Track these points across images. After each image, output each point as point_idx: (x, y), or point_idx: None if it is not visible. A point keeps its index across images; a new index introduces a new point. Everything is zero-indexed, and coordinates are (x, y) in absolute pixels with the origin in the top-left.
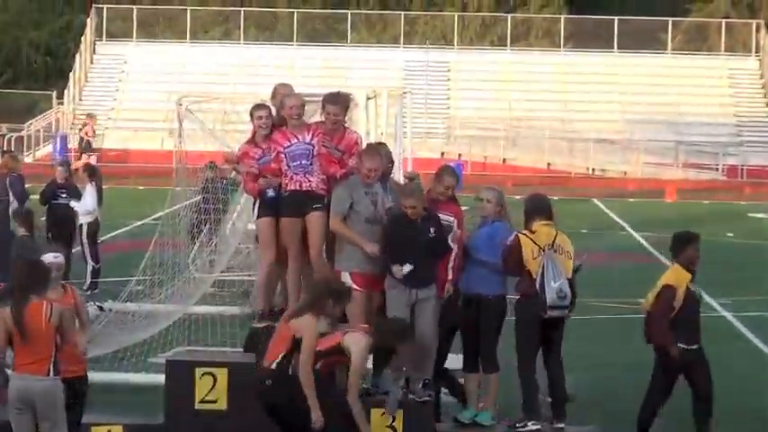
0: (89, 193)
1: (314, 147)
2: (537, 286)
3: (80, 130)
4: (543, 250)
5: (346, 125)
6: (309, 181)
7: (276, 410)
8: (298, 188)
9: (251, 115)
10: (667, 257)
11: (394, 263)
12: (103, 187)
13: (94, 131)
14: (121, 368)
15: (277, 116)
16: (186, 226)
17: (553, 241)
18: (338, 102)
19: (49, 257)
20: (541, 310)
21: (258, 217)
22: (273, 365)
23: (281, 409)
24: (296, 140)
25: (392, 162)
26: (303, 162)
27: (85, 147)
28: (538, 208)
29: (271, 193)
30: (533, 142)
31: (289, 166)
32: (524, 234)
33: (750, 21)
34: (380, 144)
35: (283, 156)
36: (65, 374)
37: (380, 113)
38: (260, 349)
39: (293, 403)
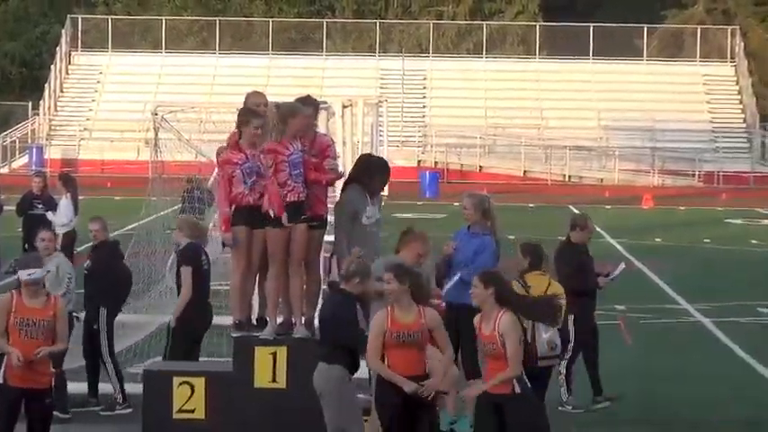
0: (64, 203)
1: (304, 153)
2: (528, 337)
3: None
4: None
5: (318, 130)
6: (304, 192)
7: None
8: (297, 199)
9: (247, 123)
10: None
11: None
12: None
13: None
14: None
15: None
16: (166, 236)
17: (545, 291)
18: (309, 103)
19: (23, 275)
20: (531, 360)
21: (233, 224)
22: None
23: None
24: (293, 148)
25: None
26: (300, 170)
27: None
28: (533, 261)
29: (247, 200)
30: (510, 150)
31: (291, 175)
32: (518, 283)
33: (725, 27)
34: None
35: (287, 164)
36: (28, 385)
37: (356, 122)
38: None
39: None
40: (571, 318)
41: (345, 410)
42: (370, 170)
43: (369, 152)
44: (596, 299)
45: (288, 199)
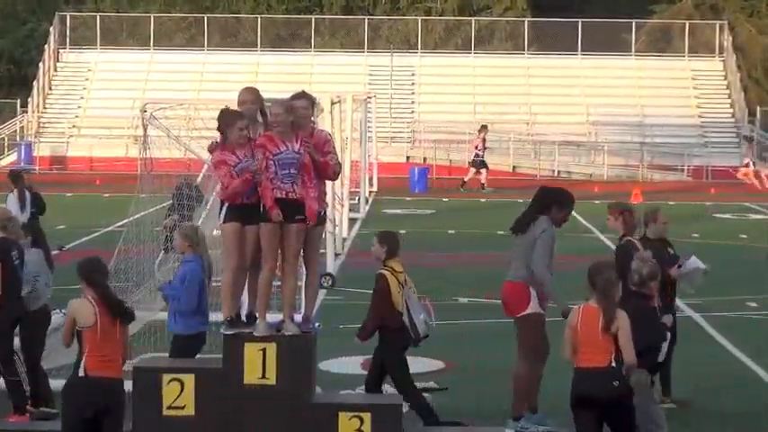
0: (11, 199)
1: (301, 155)
2: (405, 320)
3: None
4: (402, 286)
5: (314, 125)
6: (295, 191)
7: (619, 408)
8: (284, 196)
9: (231, 125)
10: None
11: None
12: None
13: (484, 144)
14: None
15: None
16: (155, 233)
17: (405, 278)
18: (304, 96)
19: None
20: (413, 341)
21: (225, 221)
22: (614, 364)
23: (624, 404)
24: (285, 148)
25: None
26: (292, 171)
27: (476, 163)
28: (390, 249)
29: (245, 197)
30: (498, 145)
31: (276, 174)
32: (387, 270)
33: (713, 22)
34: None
35: (272, 163)
36: None
37: (345, 118)
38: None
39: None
40: None
41: (654, 410)
42: (560, 203)
43: (544, 185)
44: (672, 298)
45: (274, 195)
